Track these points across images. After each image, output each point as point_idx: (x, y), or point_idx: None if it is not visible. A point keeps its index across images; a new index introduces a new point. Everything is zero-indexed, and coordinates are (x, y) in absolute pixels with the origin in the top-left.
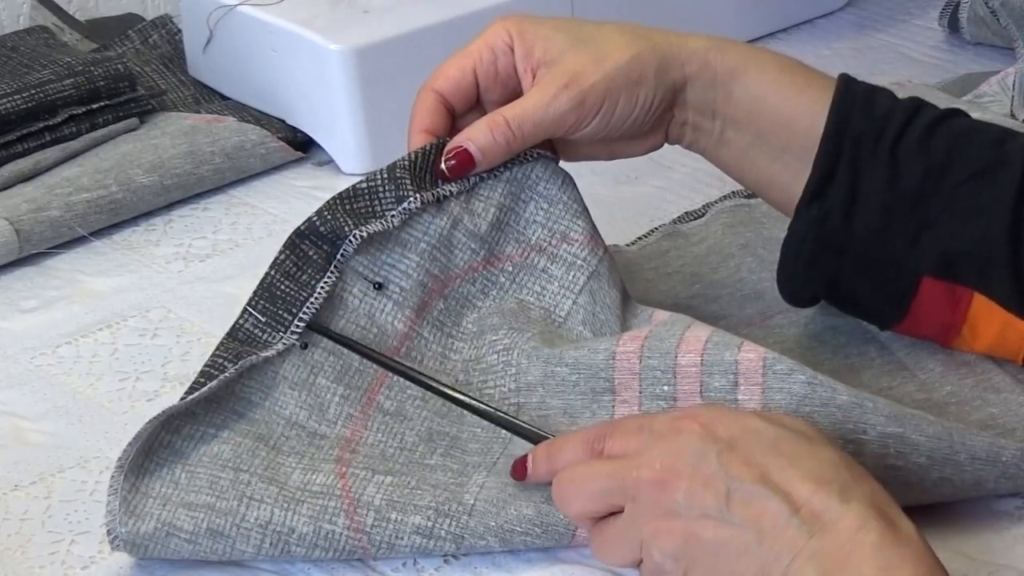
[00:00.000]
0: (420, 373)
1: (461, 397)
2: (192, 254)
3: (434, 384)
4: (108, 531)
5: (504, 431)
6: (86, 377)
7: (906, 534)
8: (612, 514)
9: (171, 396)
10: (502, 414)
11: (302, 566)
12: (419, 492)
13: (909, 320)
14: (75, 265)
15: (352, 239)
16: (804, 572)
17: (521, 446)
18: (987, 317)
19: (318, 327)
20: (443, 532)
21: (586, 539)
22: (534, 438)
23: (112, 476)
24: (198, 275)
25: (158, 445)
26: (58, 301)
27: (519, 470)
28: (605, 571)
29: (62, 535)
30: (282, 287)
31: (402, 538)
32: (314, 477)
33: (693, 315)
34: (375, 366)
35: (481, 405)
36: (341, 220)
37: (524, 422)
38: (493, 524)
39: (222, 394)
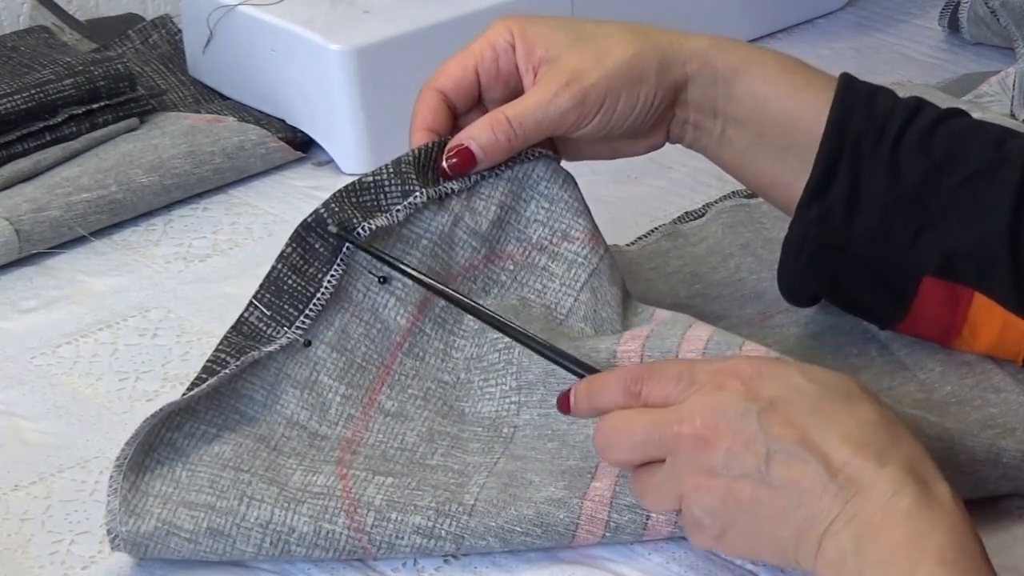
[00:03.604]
0: (465, 297)
1: (509, 324)
2: (192, 254)
3: (482, 310)
4: (108, 531)
5: (505, 430)
6: (86, 377)
7: (939, 498)
8: (654, 461)
9: (171, 396)
10: (555, 354)
11: (302, 566)
12: (419, 492)
13: (909, 320)
14: (75, 265)
15: (360, 232)
16: (840, 537)
17: (522, 456)
18: (987, 317)
19: (362, 245)
20: (443, 532)
21: (586, 540)
22: (578, 372)
23: (111, 476)
24: (198, 275)
25: (159, 442)
26: (58, 301)
27: (563, 404)
28: (605, 572)
29: (62, 535)
30: (289, 281)
31: (402, 538)
32: (315, 478)
33: (693, 315)
34: (377, 363)
35: (532, 337)
36: (349, 213)
37: (569, 353)
38: (493, 524)
39: (224, 391)
